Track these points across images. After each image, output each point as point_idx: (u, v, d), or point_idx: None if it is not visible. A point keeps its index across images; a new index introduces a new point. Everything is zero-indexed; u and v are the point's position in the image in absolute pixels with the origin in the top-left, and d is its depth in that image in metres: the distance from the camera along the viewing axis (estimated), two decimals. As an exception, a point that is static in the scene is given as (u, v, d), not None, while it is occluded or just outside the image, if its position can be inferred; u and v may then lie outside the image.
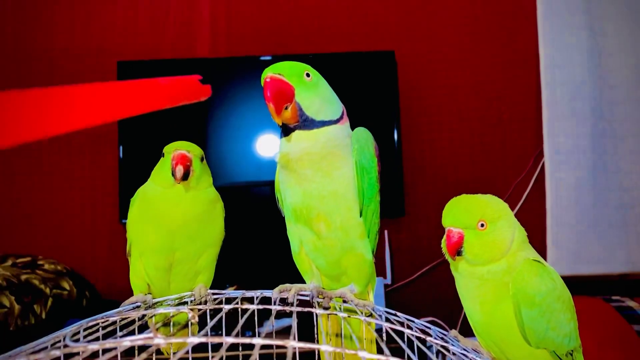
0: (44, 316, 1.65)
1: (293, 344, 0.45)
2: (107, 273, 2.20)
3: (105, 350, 0.55)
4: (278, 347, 0.84)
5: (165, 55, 2.27)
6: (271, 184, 0.94)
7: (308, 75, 0.80)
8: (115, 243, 2.21)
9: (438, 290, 2.20)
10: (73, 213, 2.24)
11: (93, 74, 2.27)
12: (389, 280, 2.03)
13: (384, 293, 2.01)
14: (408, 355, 0.55)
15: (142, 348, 1.15)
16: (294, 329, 0.56)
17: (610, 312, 1.73)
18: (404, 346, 0.55)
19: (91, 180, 2.25)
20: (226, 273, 1.07)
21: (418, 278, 2.24)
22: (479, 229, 0.75)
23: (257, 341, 0.46)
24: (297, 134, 0.80)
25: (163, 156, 0.92)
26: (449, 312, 1.95)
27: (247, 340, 0.47)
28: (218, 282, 0.96)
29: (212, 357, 0.91)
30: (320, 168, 0.80)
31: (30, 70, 2.28)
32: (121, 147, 2.07)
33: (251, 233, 2.03)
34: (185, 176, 0.88)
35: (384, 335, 0.68)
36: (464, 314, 0.82)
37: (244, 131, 2.11)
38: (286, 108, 0.78)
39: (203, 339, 0.49)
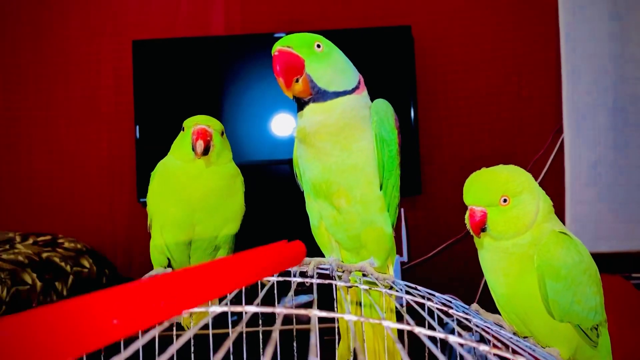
0: (65, 293, 1.67)
1: (316, 313, 0.45)
2: (125, 251, 2.23)
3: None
4: (298, 322, 0.84)
5: (180, 33, 2.26)
6: (287, 162, 0.93)
7: (319, 46, 0.79)
8: (134, 222, 2.23)
9: (454, 268, 2.19)
10: (92, 193, 2.27)
11: (108, 53, 2.27)
12: (405, 258, 2.03)
13: (400, 270, 2.01)
14: (430, 326, 0.54)
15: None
16: (316, 300, 0.55)
17: (630, 290, 1.71)
18: (428, 317, 0.55)
19: (109, 160, 2.27)
20: (244, 249, 1.07)
21: (434, 256, 2.23)
22: (502, 204, 0.73)
23: (280, 310, 0.46)
24: (311, 107, 0.79)
25: (183, 130, 0.91)
26: (465, 290, 1.94)
27: (269, 310, 0.47)
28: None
29: (232, 331, 0.91)
30: (338, 141, 0.79)
31: (46, 49, 2.28)
32: (137, 127, 2.08)
33: (268, 210, 2.03)
34: (206, 151, 0.88)
35: (405, 308, 0.68)
36: (481, 292, 0.81)
37: (259, 109, 2.10)
38: (297, 81, 0.77)
39: (224, 308, 0.49)
